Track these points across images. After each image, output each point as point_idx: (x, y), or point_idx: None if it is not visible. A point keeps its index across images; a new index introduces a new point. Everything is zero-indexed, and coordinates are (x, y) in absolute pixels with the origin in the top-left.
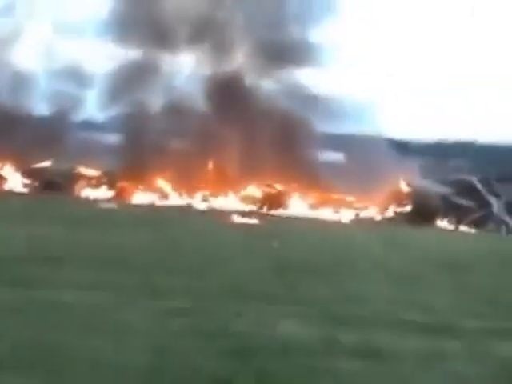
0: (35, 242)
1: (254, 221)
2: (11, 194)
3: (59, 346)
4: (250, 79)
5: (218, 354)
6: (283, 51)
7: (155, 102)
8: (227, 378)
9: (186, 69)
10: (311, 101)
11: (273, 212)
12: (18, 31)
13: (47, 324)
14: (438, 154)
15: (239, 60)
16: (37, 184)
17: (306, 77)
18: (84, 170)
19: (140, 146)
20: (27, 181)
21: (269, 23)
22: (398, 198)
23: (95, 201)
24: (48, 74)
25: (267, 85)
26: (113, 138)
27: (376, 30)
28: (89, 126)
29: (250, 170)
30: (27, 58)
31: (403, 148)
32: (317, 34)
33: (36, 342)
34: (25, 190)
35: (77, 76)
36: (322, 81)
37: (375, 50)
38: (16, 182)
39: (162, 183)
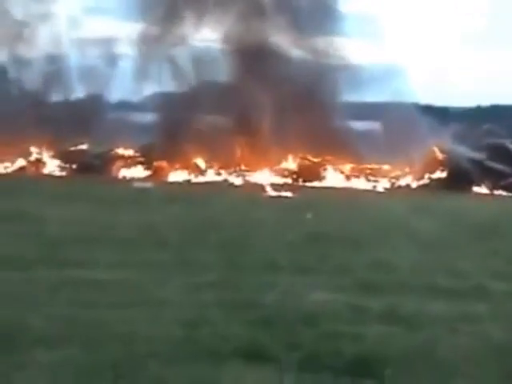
0: (74, 224)
1: (288, 193)
2: (50, 177)
3: (97, 319)
4: (281, 48)
5: (249, 323)
6: (314, 20)
7: (185, 77)
8: (257, 347)
9: (214, 41)
10: (346, 70)
11: (308, 184)
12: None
13: (85, 300)
14: (472, 119)
15: (269, 30)
16: (74, 167)
17: (339, 46)
18: (120, 151)
19: (174, 123)
20: (65, 164)
21: None
22: (434, 165)
23: (132, 180)
24: (79, 56)
25: (298, 54)
26: (147, 117)
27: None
28: (123, 105)
29: (284, 142)
30: (58, 40)
31: (438, 114)
32: (347, 4)
33: (74, 316)
34: (63, 174)
35: (108, 56)
36: (359, 51)
37: (408, 20)
38: (54, 165)
39: (197, 160)
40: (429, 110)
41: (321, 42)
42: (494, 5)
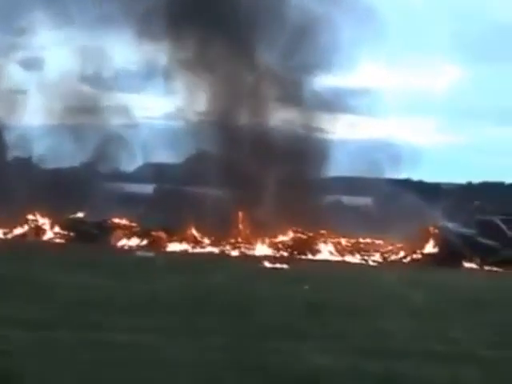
0: (83, 290)
1: (284, 265)
2: (50, 244)
3: (117, 377)
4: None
5: (257, 382)
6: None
7: (182, 150)
8: None
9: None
10: (337, 145)
11: (302, 257)
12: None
13: (104, 359)
14: (463, 195)
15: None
16: (73, 234)
17: (333, 121)
18: (118, 221)
19: (169, 194)
20: (63, 232)
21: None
22: (425, 240)
23: (132, 249)
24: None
25: (292, 129)
26: (140, 188)
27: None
28: (117, 176)
29: (279, 216)
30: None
31: (430, 190)
32: (341, 79)
33: (96, 374)
34: (62, 241)
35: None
36: (354, 125)
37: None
38: (53, 232)
39: (194, 232)
40: (421, 186)
41: (314, 117)
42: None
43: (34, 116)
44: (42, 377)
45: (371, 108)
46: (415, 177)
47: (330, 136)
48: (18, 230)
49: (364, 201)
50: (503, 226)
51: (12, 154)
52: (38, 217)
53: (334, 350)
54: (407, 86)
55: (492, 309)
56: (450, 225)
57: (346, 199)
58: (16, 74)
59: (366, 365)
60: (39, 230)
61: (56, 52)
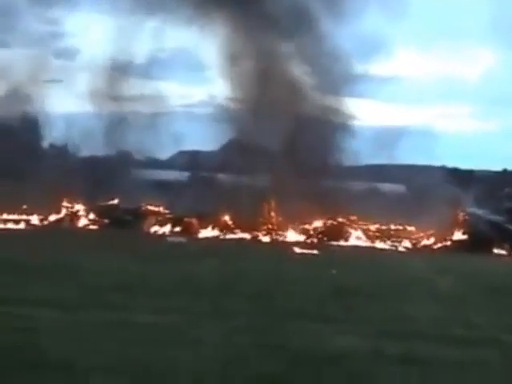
0: (114, 273)
1: (314, 251)
2: (85, 230)
3: (142, 355)
4: (308, 109)
5: (280, 362)
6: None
7: (217, 138)
8: (287, 381)
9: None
10: (370, 132)
11: (333, 243)
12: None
13: (130, 339)
14: (496, 183)
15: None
16: (107, 221)
17: (366, 108)
18: (151, 207)
19: (202, 181)
20: (98, 218)
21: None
22: (455, 227)
23: (164, 236)
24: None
25: (326, 116)
26: (176, 175)
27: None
28: (152, 164)
29: (311, 202)
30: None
31: (464, 177)
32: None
33: (122, 352)
34: (96, 227)
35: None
36: (382, 112)
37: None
38: (88, 219)
39: (227, 218)
40: (455, 173)
41: (348, 103)
42: None
43: (69, 104)
44: (70, 354)
45: (405, 95)
46: (450, 164)
47: (363, 123)
48: (54, 217)
49: (397, 188)
50: None
51: (48, 141)
52: (74, 204)
53: (357, 332)
54: (441, 73)
55: None
56: (480, 211)
57: (379, 186)
58: (51, 62)
59: (388, 347)
60: (74, 217)
61: (90, 40)
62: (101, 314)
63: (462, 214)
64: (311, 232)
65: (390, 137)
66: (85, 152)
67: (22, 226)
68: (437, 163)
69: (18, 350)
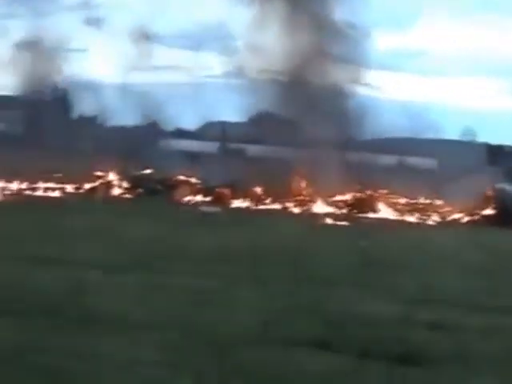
0: (151, 240)
1: (344, 223)
2: (119, 198)
3: (188, 313)
4: (339, 84)
5: (313, 324)
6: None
7: (246, 109)
8: (323, 342)
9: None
10: (402, 106)
11: (362, 215)
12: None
13: (175, 299)
14: None
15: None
16: (140, 190)
17: (395, 83)
18: (182, 178)
19: (234, 153)
20: (131, 187)
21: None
22: (484, 202)
23: (196, 205)
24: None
25: (357, 90)
26: (205, 146)
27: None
28: (181, 134)
29: (341, 175)
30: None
31: (493, 153)
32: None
33: (170, 309)
34: (129, 196)
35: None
36: (411, 85)
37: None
38: (121, 188)
39: (257, 189)
40: (485, 148)
41: (377, 77)
42: None
43: (98, 74)
44: (119, 312)
45: (435, 69)
46: (480, 139)
47: (394, 96)
48: (88, 186)
49: (427, 162)
50: None
51: (77, 112)
52: (107, 173)
53: (387, 299)
54: (473, 46)
55: None
56: (508, 187)
57: (410, 160)
58: (79, 32)
59: (417, 313)
60: (109, 186)
61: (120, 10)
62: (143, 276)
63: (491, 189)
64: (341, 204)
65: (420, 110)
66: (114, 122)
67: (57, 194)
68: (466, 138)
69: (69, 308)
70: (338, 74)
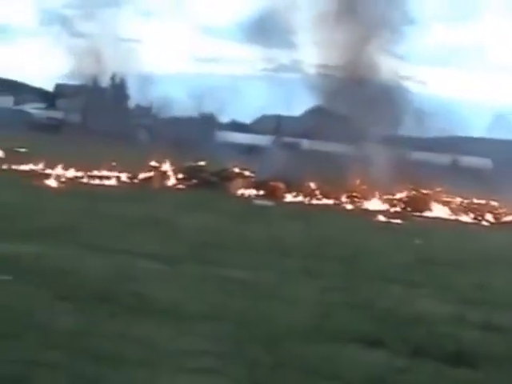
0: (205, 231)
1: (398, 221)
2: (174, 189)
3: (242, 306)
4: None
5: (367, 320)
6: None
7: (301, 104)
8: (375, 339)
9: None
10: (460, 105)
11: (416, 214)
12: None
13: (230, 291)
14: None
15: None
16: (195, 181)
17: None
18: (236, 170)
19: (289, 147)
20: (185, 178)
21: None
22: None
23: (250, 198)
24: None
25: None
26: (259, 139)
27: None
28: (236, 127)
29: (396, 173)
30: (172, 60)
31: None
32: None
33: (223, 302)
34: (183, 187)
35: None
36: (462, 83)
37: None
38: (175, 179)
39: (311, 184)
40: None
41: (432, 73)
42: None
43: (155, 65)
44: (174, 302)
45: (489, 66)
46: None
47: (448, 93)
48: (143, 175)
49: (483, 162)
50: None
51: (134, 102)
52: (161, 163)
53: (439, 297)
54: None
55: None
56: None
57: (464, 159)
58: (134, 23)
59: (469, 313)
60: (163, 176)
61: (178, 1)
62: (198, 267)
63: None
64: (394, 202)
65: (477, 110)
66: (169, 113)
67: (112, 182)
68: None
69: (124, 296)
70: (393, 71)
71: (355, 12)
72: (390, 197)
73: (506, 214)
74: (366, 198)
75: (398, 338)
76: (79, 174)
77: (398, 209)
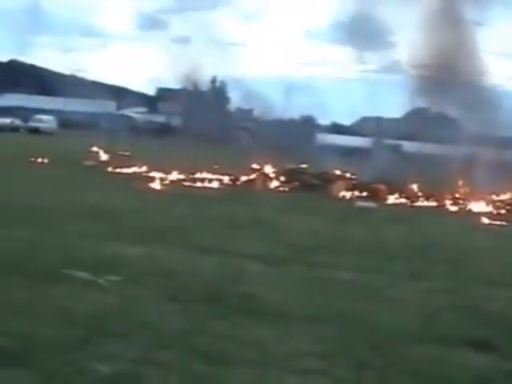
0: (309, 233)
1: (503, 222)
2: (276, 191)
3: (348, 309)
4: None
5: (474, 323)
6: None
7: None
8: (483, 341)
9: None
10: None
11: None
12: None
13: (334, 293)
14: None
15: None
16: (297, 184)
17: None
18: (338, 172)
19: (390, 149)
20: (287, 181)
21: None
22: None
23: (352, 200)
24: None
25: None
26: (360, 141)
27: None
28: (336, 129)
29: (498, 174)
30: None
31: None
32: None
33: (327, 304)
34: (285, 189)
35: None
36: None
37: None
38: (278, 181)
39: (413, 186)
40: None
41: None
42: None
43: (255, 68)
44: (282, 304)
45: None
46: None
47: None
48: (245, 178)
49: None
50: None
51: (234, 105)
52: (263, 166)
53: None
54: None
55: None
56: None
57: None
58: (238, 26)
59: None
60: (265, 179)
61: (276, 5)
62: (303, 269)
63: None
64: (499, 204)
65: None
66: (270, 116)
67: (215, 184)
68: None
69: (231, 297)
70: (489, 71)
71: (457, 11)
72: (494, 198)
73: None
74: (469, 200)
75: (507, 340)
76: (182, 176)
77: (502, 211)
